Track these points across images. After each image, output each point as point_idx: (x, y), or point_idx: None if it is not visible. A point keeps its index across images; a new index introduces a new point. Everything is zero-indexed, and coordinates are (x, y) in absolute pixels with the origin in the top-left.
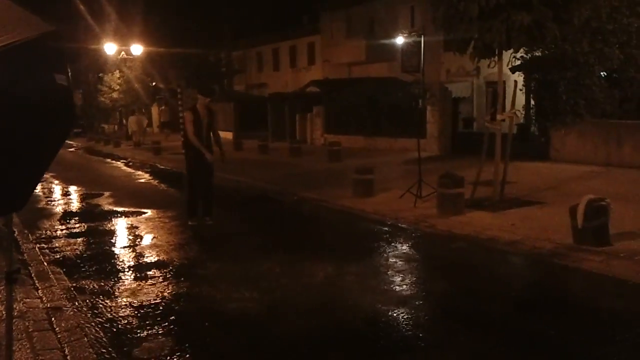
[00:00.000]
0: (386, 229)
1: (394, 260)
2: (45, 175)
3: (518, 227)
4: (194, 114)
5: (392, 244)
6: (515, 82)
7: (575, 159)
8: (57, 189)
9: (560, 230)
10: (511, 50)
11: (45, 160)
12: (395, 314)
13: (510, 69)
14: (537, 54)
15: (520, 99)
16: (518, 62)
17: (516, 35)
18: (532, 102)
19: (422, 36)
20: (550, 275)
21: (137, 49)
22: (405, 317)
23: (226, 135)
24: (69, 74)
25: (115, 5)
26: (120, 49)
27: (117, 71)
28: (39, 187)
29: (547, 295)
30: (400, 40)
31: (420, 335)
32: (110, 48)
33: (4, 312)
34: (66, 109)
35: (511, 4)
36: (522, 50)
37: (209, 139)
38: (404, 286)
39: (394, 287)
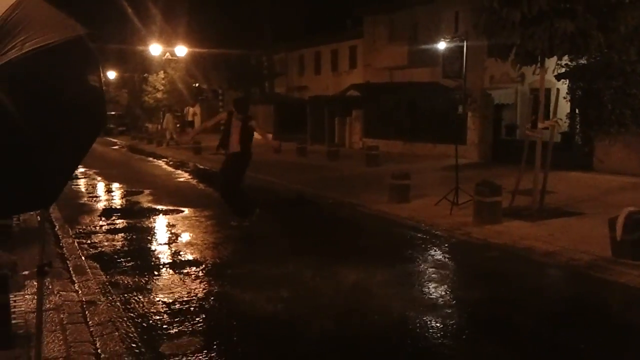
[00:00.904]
0: (420, 235)
1: (426, 267)
2: (88, 172)
3: (556, 238)
4: (228, 118)
5: (426, 250)
6: (558, 89)
7: (620, 170)
8: (99, 186)
9: (599, 242)
10: (556, 58)
11: (76, 158)
12: (423, 322)
13: (555, 76)
14: (582, 61)
15: (565, 107)
16: (563, 70)
17: (559, 43)
18: (577, 110)
19: (465, 41)
20: (585, 288)
21: (182, 50)
22: (433, 325)
23: None
24: (101, 74)
25: (161, 8)
26: (165, 50)
27: (162, 72)
28: (82, 183)
29: (581, 308)
30: (442, 45)
31: (448, 343)
32: (155, 49)
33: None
34: (97, 109)
35: (554, 11)
36: (567, 57)
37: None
38: (435, 294)
39: (424, 295)
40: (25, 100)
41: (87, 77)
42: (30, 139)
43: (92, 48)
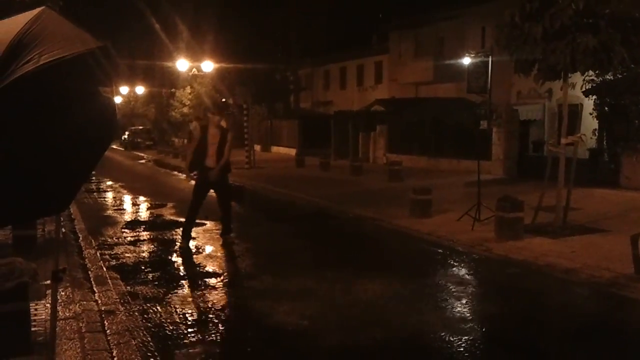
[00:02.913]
0: (440, 250)
1: (444, 282)
2: (114, 185)
3: (578, 255)
4: (202, 132)
5: (445, 266)
6: (581, 105)
7: None
8: (124, 199)
9: (621, 259)
10: (585, 73)
11: (88, 165)
12: (439, 337)
13: (583, 92)
14: (609, 77)
15: (592, 123)
16: (589, 86)
17: (581, 57)
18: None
19: (490, 56)
20: (605, 305)
21: (208, 66)
22: (448, 340)
23: (289, 151)
24: (114, 84)
25: (188, 24)
26: (192, 66)
27: (189, 87)
28: (107, 196)
29: (600, 326)
30: (467, 60)
31: (465, 359)
32: (182, 65)
33: (59, 311)
34: (109, 119)
35: (577, 26)
36: (593, 73)
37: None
38: (452, 309)
39: (441, 310)
40: (40, 110)
41: (99, 89)
42: (45, 147)
43: (106, 59)
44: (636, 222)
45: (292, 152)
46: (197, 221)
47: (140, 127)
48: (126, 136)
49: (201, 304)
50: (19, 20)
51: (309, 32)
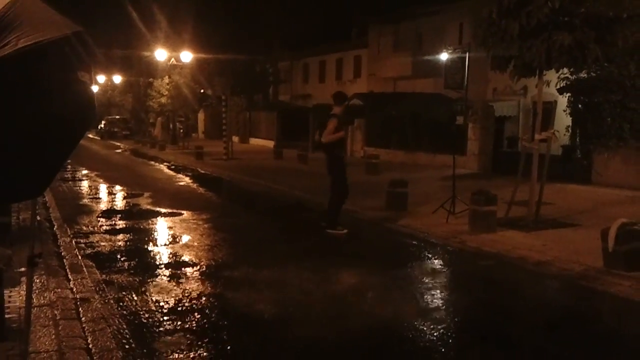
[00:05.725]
0: (415, 242)
1: (418, 274)
2: (90, 174)
3: (549, 248)
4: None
5: (419, 258)
6: (555, 102)
7: (618, 183)
8: (100, 188)
9: (591, 253)
10: (559, 71)
11: (65, 150)
12: (412, 327)
13: (557, 90)
14: (583, 75)
15: (565, 120)
16: (564, 84)
17: (556, 55)
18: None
19: (467, 53)
20: (574, 298)
21: (187, 56)
22: (421, 330)
23: (267, 143)
24: (92, 71)
25: (167, 14)
26: (171, 56)
27: (167, 77)
28: (83, 185)
29: (569, 317)
30: (444, 56)
31: (434, 349)
32: (160, 54)
33: (34, 299)
34: (86, 103)
35: (553, 24)
36: (568, 71)
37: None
38: (425, 300)
39: (414, 301)
40: (17, 93)
41: (77, 74)
42: (20, 131)
43: (84, 45)
44: (606, 217)
45: (270, 144)
46: (175, 211)
47: (117, 117)
48: (102, 125)
49: (177, 293)
50: None
51: (288, 25)
